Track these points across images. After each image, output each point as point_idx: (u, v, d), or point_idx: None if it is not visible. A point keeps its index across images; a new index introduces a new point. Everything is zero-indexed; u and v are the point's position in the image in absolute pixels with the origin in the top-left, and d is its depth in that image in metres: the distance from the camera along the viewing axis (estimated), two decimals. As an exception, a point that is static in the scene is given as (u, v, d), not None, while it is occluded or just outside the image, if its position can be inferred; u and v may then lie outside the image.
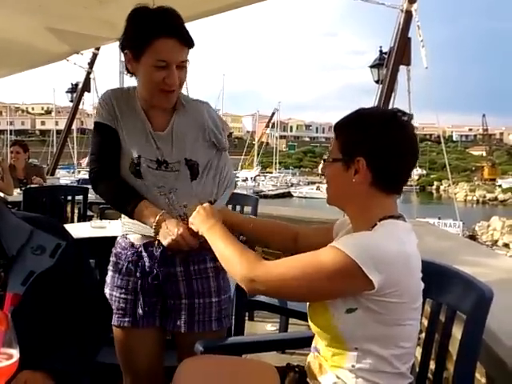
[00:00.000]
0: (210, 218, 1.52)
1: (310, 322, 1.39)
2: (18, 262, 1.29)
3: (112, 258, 1.80)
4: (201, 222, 1.54)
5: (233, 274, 1.39)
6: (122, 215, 1.79)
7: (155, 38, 1.55)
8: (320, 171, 1.46)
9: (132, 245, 1.74)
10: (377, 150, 1.31)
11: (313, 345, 1.44)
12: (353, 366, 1.29)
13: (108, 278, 1.78)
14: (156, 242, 1.66)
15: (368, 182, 1.32)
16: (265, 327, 3.51)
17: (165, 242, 1.62)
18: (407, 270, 1.25)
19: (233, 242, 1.42)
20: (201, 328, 1.72)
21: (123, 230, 1.79)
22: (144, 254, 1.71)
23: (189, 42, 1.60)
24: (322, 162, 1.45)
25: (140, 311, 1.72)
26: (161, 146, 1.68)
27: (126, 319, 1.74)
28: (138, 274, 1.71)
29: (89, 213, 4.98)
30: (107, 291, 1.76)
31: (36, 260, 1.30)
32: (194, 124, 1.71)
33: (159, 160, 1.68)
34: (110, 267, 1.79)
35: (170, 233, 1.60)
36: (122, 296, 1.74)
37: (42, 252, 1.32)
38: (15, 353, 0.97)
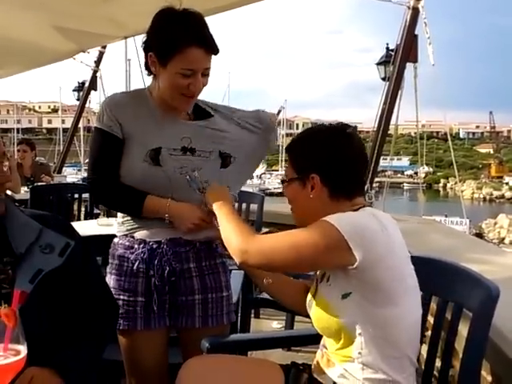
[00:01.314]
0: (222, 198, 1.58)
1: (315, 325, 1.41)
2: (27, 259, 1.29)
3: (114, 261, 1.73)
4: (213, 199, 1.59)
5: (228, 247, 1.45)
6: (120, 215, 1.76)
7: (185, 46, 1.56)
8: (283, 193, 1.51)
9: (141, 242, 1.69)
10: (327, 164, 1.39)
11: (321, 343, 1.46)
12: (359, 354, 1.31)
13: (112, 282, 1.71)
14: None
15: (326, 194, 1.39)
16: (270, 325, 3.51)
17: (183, 229, 1.64)
18: (390, 248, 1.31)
19: (235, 220, 1.48)
20: (214, 322, 1.72)
21: (123, 229, 1.74)
22: (158, 250, 1.68)
23: (213, 50, 1.62)
24: (281, 183, 1.50)
25: (153, 312, 1.69)
26: (190, 135, 1.69)
27: (138, 322, 1.69)
28: (151, 272, 1.67)
29: (95, 210, 4.99)
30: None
31: (45, 258, 1.31)
32: (232, 127, 1.76)
33: (184, 147, 1.68)
34: (113, 270, 1.72)
35: (186, 218, 1.63)
36: (132, 299, 1.69)
37: (50, 251, 1.33)
38: (23, 349, 0.98)
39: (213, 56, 1.63)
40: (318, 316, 1.38)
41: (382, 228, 1.31)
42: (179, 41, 1.56)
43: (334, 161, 1.39)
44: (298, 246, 1.32)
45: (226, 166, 1.73)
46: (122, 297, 1.69)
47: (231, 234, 1.44)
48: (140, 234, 1.71)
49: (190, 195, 1.65)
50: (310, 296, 1.46)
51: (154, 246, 1.68)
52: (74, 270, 1.38)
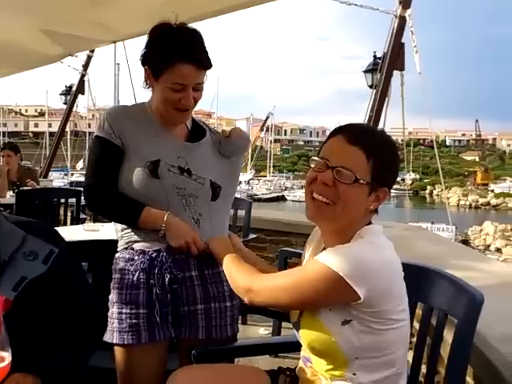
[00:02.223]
0: (226, 246, 1.59)
1: (304, 343, 1.37)
2: (10, 266, 1.28)
3: (115, 275, 1.72)
4: (218, 248, 1.60)
5: (234, 288, 1.45)
6: (118, 229, 1.75)
7: (174, 62, 1.59)
8: (328, 182, 1.28)
9: (141, 253, 1.68)
10: (394, 182, 1.35)
11: (302, 354, 1.43)
12: (354, 375, 1.28)
13: (114, 296, 1.70)
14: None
15: (374, 207, 1.33)
16: (258, 331, 3.51)
17: (174, 243, 1.63)
18: (391, 276, 1.26)
19: (240, 263, 1.49)
20: (218, 333, 1.71)
21: (122, 242, 1.74)
22: (158, 259, 1.67)
23: (205, 66, 1.65)
24: (334, 175, 1.27)
25: (156, 323, 1.66)
26: (185, 156, 1.71)
27: (142, 335, 1.66)
28: (151, 282, 1.65)
29: (82, 215, 4.96)
30: (115, 310, 1.68)
31: (28, 266, 1.30)
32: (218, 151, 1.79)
33: (181, 167, 1.69)
34: (115, 285, 1.71)
35: (181, 234, 1.63)
36: (134, 312, 1.66)
37: (34, 258, 1.32)
38: (7, 355, 0.97)
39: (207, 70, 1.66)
40: (311, 337, 1.33)
41: (382, 257, 1.25)
42: (169, 56, 1.60)
43: (396, 177, 1.36)
44: (299, 289, 1.27)
45: (215, 198, 1.74)
46: (124, 310, 1.67)
47: (236, 274, 1.45)
48: (139, 246, 1.70)
49: (183, 217, 1.67)
50: (297, 312, 1.39)
51: (154, 255, 1.67)
52: (58, 277, 1.37)
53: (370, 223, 1.35)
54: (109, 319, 1.70)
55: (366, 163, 1.27)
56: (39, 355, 1.28)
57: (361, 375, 1.28)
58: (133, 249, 1.70)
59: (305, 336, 1.36)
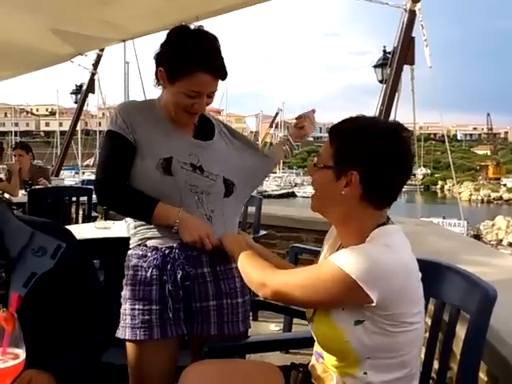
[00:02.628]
0: (239, 242, 1.60)
1: (317, 341, 1.38)
2: (20, 263, 1.30)
3: (128, 272, 1.73)
4: (231, 243, 1.60)
5: (248, 282, 1.46)
6: (131, 226, 1.76)
7: (194, 71, 1.59)
8: (308, 173, 1.41)
9: (154, 249, 1.69)
10: (372, 165, 1.26)
11: (315, 349, 1.43)
12: (365, 374, 1.28)
13: (127, 293, 1.71)
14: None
15: (358, 195, 1.28)
16: (269, 327, 3.51)
17: (188, 238, 1.64)
18: (406, 278, 1.24)
19: (253, 258, 1.49)
20: (230, 329, 1.71)
21: (135, 239, 1.74)
22: (171, 255, 1.67)
23: (221, 76, 1.65)
24: (313, 164, 1.38)
25: (169, 319, 1.67)
26: (196, 153, 1.71)
27: (155, 331, 1.67)
28: (164, 278, 1.66)
29: (93, 213, 4.99)
30: (128, 306, 1.69)
31: (37, 261, 1.31)
32: (230, 146, 1.82)
33: (193, 164, 1.70)
34: (128, 281, 1.72)
35: (195, 229, 1.63)
36: (147, 308, 1.67)
37: (43, 253, 1.33)
38: (21, 353, 0.98)
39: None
40: (324, 335, 1.34)
41: (397, 259, 1.23)
42: (189, 64, 1.59)
43: (379, 164, 1.26)
44: (313, 288, 1.27)
45: (228, 195, 1.75)
46: (137, 306, 1.68)
47: (250, 269, 1.46)
48: (152, 242, 1.70)
49: (197, 215, 1.68)
50: (311, 310, 1.40)
51: (167, 252, 1.68)
52: (67, 271, 1.37)
53: (386, 222, 1.32)
54: (121, 315, 1.71)
55: (329, 148, 1.32)
56: (51, 352, 1.29)
57: (371, 374, 1.27)
58: (146, 245, 1.71)
59: (317, 333, 1.36)
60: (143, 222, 1.71)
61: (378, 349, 1.26)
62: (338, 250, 1.40)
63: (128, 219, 1.77)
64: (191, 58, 1.59)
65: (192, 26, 1.66)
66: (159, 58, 1.67)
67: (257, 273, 1.42)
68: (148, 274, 1.67)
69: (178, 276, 1.66)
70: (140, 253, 1.71)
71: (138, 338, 1.67)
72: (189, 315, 1.71)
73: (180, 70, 1.61)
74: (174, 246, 1.67)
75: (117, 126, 1.68)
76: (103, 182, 1.71)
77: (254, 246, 1.68)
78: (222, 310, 1.71)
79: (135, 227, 1.74)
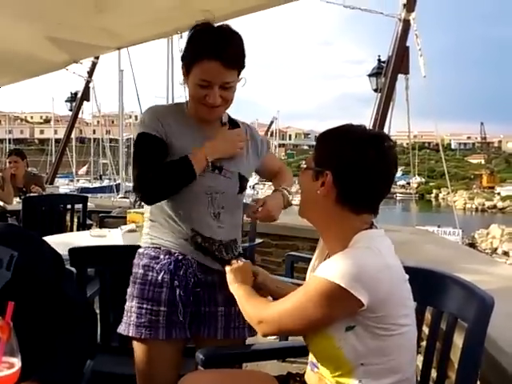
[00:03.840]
0: (244, 277, 1.57)
1: (310, 350, 1.39)
2: None
3: (138, 270, 1.73)
4: (236, 278, 1.58)
5: (247, 319, 1.47)
6: (145, 226, 1.75)
7: (201, 58, 1.61)
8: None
9: (167, 253, 1.70)
10: (346, 169, 1.31)
11: (310, 359, 1.43)
12: (360, 382, 1.28)
13: (135, 291, 1.71)
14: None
15: (333, 197, 1.33)
16: (265, 336, 3.49)
17: (235, 148, 1.72)
18: (392, 280, 1.26)
19: (251, 295, 1.49)
20: (236, 335, 1.73)
21: (149, 241, 1.73)
22: (184, 261, 1.68)
23: (234, 65, 1.64)
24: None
25: (175, 321, 1.68)
26: None
27: (160, 331, 1.68)
28: (175, 283, 1.67)
29: (88, 221, 4.98)
30: (135, 304, 1.70)
31: None
32: (252, 146, 1.83)
33: (214, 165, 1.70)
34: (137, 279, 1.72)
35: (227, 147, 1.71)
36: (154, 308, 1.68)
37: (0, 265, 1.30)
38: (17, 362, 0.97)
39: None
40: (316, 344, 1.34)
41: (382, 262, 1.25)
42: (197, 52, 1.62)
43: (353, 167, 1.30)
44: (304, 310, 1.27)
45: (242, 191, 1.78)
46: (145, 306, 1.69)
47: (247, 308, 1.47)
48: (166, 245, 1.71)
49: (205, 214, 1.69)
50: None
51: (180, 257, 1.69)
52: (28, 279, 1.33)
53: (370, 228, 1.34)
54: (126, 312, 1.72)
55: (313, 152, 1.40)
56: (38, 362, 1.25)
57: (367, 382, 1.27)
58: (159, 248, 1.71)
59: (310, 343, 1.37)
60: (157, 225, 1.72)
61: (370, 354, 1.26)
62: (325, 258, 1.42)
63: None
64: (200, 46, 1.62)
65: (216, 24, 1.67)
66: (182, 54, 1.70)
67: (252, 310, 1.44)
68: (159, 277, 1.68)
69: (190, 283, 1.68)
70: (152, 253, 1.71)
71: (142, 337, 1.68)
72: (196, 318, 1.72)
73: (191, 59, 1.64)
74: (188, 252, 1.69)
75: (149, 127, 1.67)
76: (140, 176, 1.65)
77: (269, 280, 1.67)
78: (230, 315, 1.73)
79: (148, 227, 1.75)
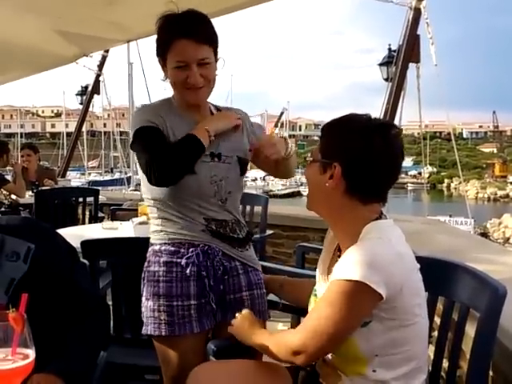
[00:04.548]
0: (252, 327, 1.51)
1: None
2: None
3: (160, 268, 1.69)
4: (245, 332, 1.51)
5: (279, 359, 1.37)
6: (156, 223, 1.74)
7: (171, 41, 1.63)
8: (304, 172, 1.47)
9: (190, 246, 1.69)
10: (354, 160, 1.29)
11: None
12: (374, 371, 1.28)
13: (161, 290, 1.68)
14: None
15: (341, 189, 1.31)
16: (276, 327, 3.50)
17: (233, 122, 1.74)
18: (405, 270, 1.25)
19: (266, 335, 1.42)
20: (261, 317, 1.74)
21: (165, 237, 1.71)
22: (209, 251, 1.69)
23: (206, 40, 1.64)
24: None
25: (207, 312, 1.69)
26: (218, 138, 1.71)
27: (194, 325, 1.68)
28: (203, 274, 1.68)
29: (100, 214, 5.01)
30: (163, 303, 1.67)
31: (13, 266, 1.31)
32: (247, 129, 1.83)
33: (213, 153, 1.71)
34: (162, 278, 1.68)
35: (226, 121, 1.74)
36: (186, 303, 1.67)
37: (17, 258, 1.32)
38: (31, 353, 0.98)
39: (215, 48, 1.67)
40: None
41: (394, 251, 1.24)
42: (168, 36, 1.63)
43: (362, 157, 1.29)
44: (334, 319, 1.23)
45: (243, 173, 1.79)
46: (175, 303, 1.67)
47: (272, 349, 1.37)
48: (187, 238, 1.70)
49: (212, 202, 1.70)
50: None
51: (205, 248, 1.69)
52: (44, 271, 1.35)
53: (379, 218, 1.33)
54: (152, 312, 1.68)
55: (319, 144, 1.37)
56: (52, 354, 1.27)
57: (381, 372, 1.28)
58: (180, 242, 1.70)
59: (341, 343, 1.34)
60: (169, 221, 1.71)
61: (385, 346, 1.26)
62: (335, 249, 1.42)
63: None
64: (169, 30, 1.64)
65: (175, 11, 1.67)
66: (156, 51, 1.70)
67: (279, 348, 1.35)
68: (187, 271, 1.67)
69: (219, 272, 1.70)
70: (172, 249, 1.70)
71: (176, 334, 1.66)
72: (223, 306, 1.73)
73: (163, 46, 1.65)
74: (211, 242, 1.70)
75: (146, 121, 1.66)
76: (152, 160, 1.61)
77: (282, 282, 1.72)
78: (255, 299, 1.76)
79: (161, 224, 1.72)
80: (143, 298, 1.73)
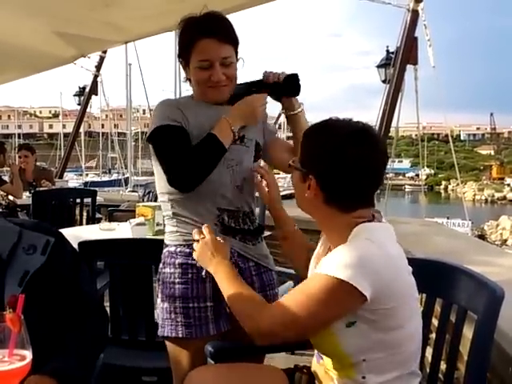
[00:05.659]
0: (216, 256, 1.51)
1: (314, 346, 1.39)
2: (12, 263, 1.29)
3: (175, 269, 1.68)
4: (205, 258, 1.53)
5: (244, 327, 1.37)
6: (171, 224, 1.73)
7: (195, 41, 1.65)
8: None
9: None
10: (327, 174, 1.27)
11: (315, 351, 1.42)
12: (363, 378, 1.27)
13: (176, 291, 1.67)
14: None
15: (320, 200, 1.30)
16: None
17: (258, 115, 1.72)
18: (395, 272, 1.23)
19: (239, 288, 1.42)
20: None
21: (180, 238, 1.70)
22: None
23: (228, 39, 1.68)
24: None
25: (223, 314, 1.67)
26: None
27: (211, 327, 1.67)
28: None
29: (97, 215, 5.00)
30: (179, 304, 1.67)
31: (29, 259, 1.31)
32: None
33: (238, 135, 1.70)
34: (177, 279, 1.68)
35: (249, 114, 1.71)
36: (202, 305, 1.67)
37: (34, 251, 1.33)
38: (28, 354, 0.97)
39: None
40: (317, 338, 1.33)
41: (382, 252, 1.22)
42: (191, 36, 1.66)
43: (336, 171, 1.26)
44: (308, 314, 1.23)
45: (256, 159, 1.79)
46: (191, 305, 1.66)
47: (241, 312, 1.39)
48: None
49: (228, 189, 1.69)
50: None
51: None
52: (59, 266, 1.37)
53: (371, 220, 1.31)
54: (168, 314, 1.68)
55: (300, 150, 1.35)
56: (51, 352, 1.28)
57: (371, 378, 1.26)
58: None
59: (311, 336, 1.35)
60: (184, 221, 1.69)
61: (372, 348, 1.25)
62: (328, 250, 1.41)
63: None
64: (192, 31, 1.66)
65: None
66: (178, 52, 1.73)
67: (246, 312, 1.37)
68: (203, 273, 1.64)
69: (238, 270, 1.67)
70: (187, 250, 1.67)
71: (193, 336, 1.65)
72: None
73: (186, 47, 1.67)
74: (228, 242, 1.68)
75: (168, 119, 1.66)
76: (174, 165, 1.62)
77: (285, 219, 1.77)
78: (268, 301, 1.72)
79: (176, 225, 1.71)
80: (158, 300, 1.72)
